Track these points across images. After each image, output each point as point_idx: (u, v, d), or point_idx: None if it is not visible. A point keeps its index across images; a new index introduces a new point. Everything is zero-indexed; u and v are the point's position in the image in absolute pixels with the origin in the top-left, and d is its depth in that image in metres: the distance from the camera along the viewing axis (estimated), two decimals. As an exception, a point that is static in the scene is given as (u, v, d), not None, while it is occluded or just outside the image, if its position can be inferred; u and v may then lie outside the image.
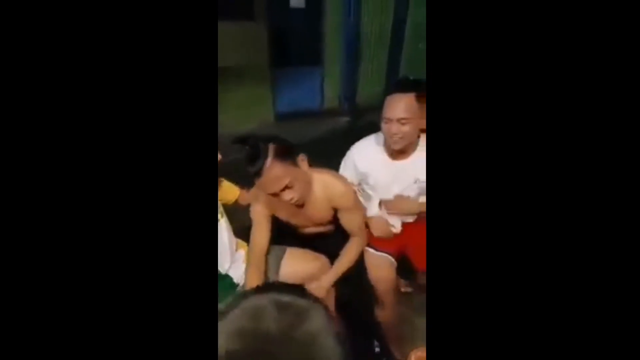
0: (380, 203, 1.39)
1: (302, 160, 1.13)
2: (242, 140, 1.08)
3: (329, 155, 1.73)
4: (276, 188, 1.08)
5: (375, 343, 1.37)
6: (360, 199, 1.43)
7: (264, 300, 0.43)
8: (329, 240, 1.36)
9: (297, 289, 0.46)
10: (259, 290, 0.45)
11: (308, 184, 1.16)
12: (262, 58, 3.48)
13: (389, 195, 1.37)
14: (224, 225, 1.28)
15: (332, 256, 1.30)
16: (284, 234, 1.31)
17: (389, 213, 1.38)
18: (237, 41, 3.26)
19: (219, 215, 1.29)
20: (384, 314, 1.38)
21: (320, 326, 0.41)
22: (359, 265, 1.34)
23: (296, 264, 1.28)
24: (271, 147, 1.04)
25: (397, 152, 1.30)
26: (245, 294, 0.45)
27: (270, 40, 3.49)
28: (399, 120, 1.22)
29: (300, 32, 4.07)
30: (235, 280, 1.27)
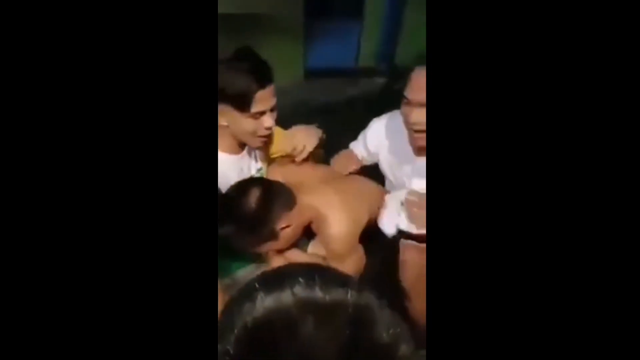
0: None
1: (284, 229, 0.94)
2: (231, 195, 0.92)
3: (360, 117, 1.56)
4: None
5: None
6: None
7: (288, 299, 0.29)
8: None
9: (327, 273, 0.31)
10: (279, 278, 0.31)
11: (294, 238, 1.01)
12: (297, 7, 3.23)
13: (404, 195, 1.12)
14: None
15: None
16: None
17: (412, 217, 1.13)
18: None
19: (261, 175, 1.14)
20: (412, 305, 1.23)
21: (392, 329, 0.29)
22: (389, 257, 1.17)
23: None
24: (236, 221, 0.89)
25: (421, 149, 1.01)
26: (263, 282, 0.32)
27: (307, -13, 3.22)
28: (423, 104, 0.89)
29: (340, -19, 3.76)
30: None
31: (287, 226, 0.93)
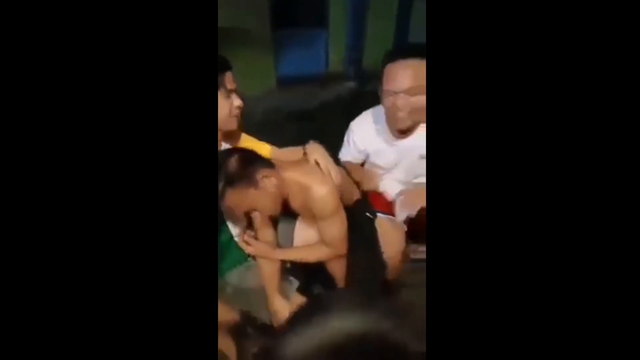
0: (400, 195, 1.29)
1: (265, 177, 1.02)
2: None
3: (334, 122, 1.64)
4: (240, 211, 1.05)
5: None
6: (370, 173, 1.35)
7: None
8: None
9: None
10: None
11: (277, 199, 1.07)
12: (264, 20, 3.30)
13: (396, 175, 1.28)
14: None
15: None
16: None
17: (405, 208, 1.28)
18: (237, 1, 3.08)
19: None
20: (390, 272, 1.33)
21: None
22: (370, 231, 1.28)
23: (308, 235, 1.24)
24: (227, 171, 0.97)
25: (401, 131, 1.20)
26: None
27: (273, 0, 3.30)
28: (406, 91, 1.07)
29: (303, -9, 3.85)
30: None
31: (267, 176, 1.02)
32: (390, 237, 1.28)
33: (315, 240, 1.18)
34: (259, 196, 1.00)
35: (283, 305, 1.20)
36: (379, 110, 1.25)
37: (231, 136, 1.17)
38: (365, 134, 1.30)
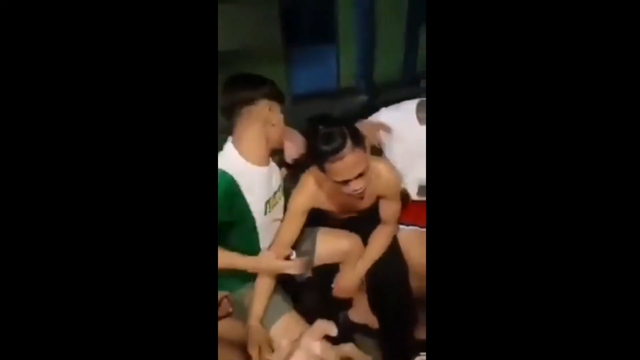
0: None
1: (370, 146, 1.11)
2: (318, 120, 1.03)
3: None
4: (351, 175, 0.97)
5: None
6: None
7: None
8: (357, 223, 1.34)
9: None
10: None
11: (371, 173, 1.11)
12: (275, 38, 3.39)
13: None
14: (280, 209, 1.25)
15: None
16: (314, 217, 1.28)
17: None
18: (247, 22, 3.18)
19: (277, 198, 1.26)
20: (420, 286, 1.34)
21: None
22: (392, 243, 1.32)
23: (331, 243, 1.30)
24: (348, 130, 0.96)
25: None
26: None
27: (282, 19, 3.39)
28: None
29: (312, 9, 3.94)
30: None
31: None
32: (413, 245, 1.29)
33: (339, 245, 1.24)
34: (367, 162, 1.06)
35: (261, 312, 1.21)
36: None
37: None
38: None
